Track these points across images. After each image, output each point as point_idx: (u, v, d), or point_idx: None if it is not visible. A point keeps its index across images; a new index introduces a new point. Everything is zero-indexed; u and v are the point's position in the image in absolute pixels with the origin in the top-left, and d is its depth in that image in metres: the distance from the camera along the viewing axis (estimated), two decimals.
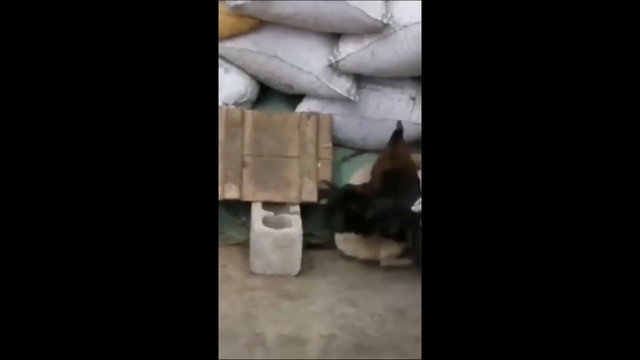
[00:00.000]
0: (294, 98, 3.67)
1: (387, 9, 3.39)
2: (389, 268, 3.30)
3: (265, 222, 3.30)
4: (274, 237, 3.23)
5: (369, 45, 3.44)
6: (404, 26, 3.40)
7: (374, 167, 3.42)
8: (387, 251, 3.30)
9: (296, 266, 3.25)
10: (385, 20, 3.37)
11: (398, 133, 3.42)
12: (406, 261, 3.30)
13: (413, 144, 3.61)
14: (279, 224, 3.31)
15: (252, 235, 3.27)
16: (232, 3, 3.36)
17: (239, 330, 2.87)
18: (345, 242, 3.33)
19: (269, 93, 3.69)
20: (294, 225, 3.29)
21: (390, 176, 3.34)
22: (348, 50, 3.47)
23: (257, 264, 3.25)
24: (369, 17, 3.36)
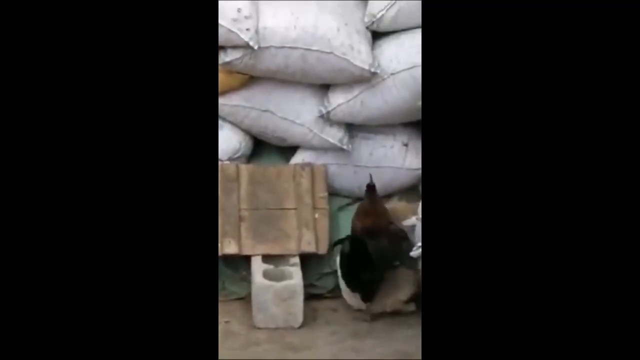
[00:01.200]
0: (287, 150, 3.69)
1: (374, 58, 3.43)
2: (393, 314, 3.31)
3: (266, 275, 3.31)
4: (275, 290, 3.24)
5: (358, 94, 3.48)
6: (392, 74, 3.44)
7: (354, 224, 3.40)
8: (392, 300, 3.30)
9: (299, 318, 3.25)
10: (373, 69, 3.41)
11: (371, 187, 3.40)
12: (411, 307, 3.31)
13: (408, 189, 3.65)
14: (280, 277, 3.32)
15: (253, 289, 3.27)
16: (222, 60, 3.40)
17: None
18: (351, 295, 3.33)
19: (262, 147, 3.71)
20: (295, 277, 3.30)
21: (372, 233, 3.32)
22: (338, 101, 3.50)
23: (259, 318, 3.25)
24: (356, 66, 3.40)
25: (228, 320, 3.25)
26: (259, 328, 3.23)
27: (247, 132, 3.63)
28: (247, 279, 3.41)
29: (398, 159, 3.62)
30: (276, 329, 3.22)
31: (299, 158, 3.64)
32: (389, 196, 3.65)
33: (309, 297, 3.34)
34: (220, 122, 3.56)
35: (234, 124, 3.59)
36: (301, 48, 3.39)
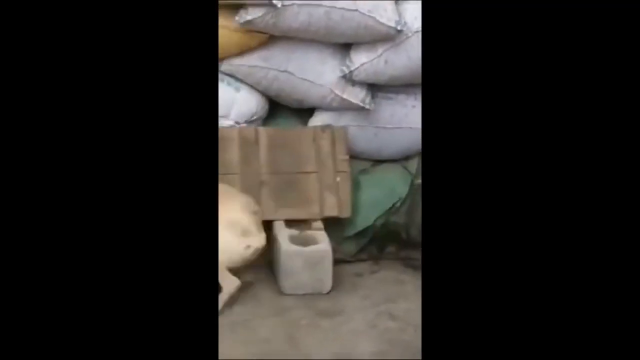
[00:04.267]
0: (303, 112, 3.59)
1: (400, 15, 3.33)
2: None
3: (292, 240, 3.21)
4: (304, 256, 3.15)
5: (382, 53, 3.38)
6: (417, 31, 3.34)
7: None
8: None
9: (328, 284, 3.18)
10: (399, 27, 3.31)
11: None
12: None
13: None
14: (305, 242, 3.23)
15: (280, 255, 3.18)
16: (243, 18, 3.28)
17: (287, 353, 2.78)
18: None
19: (277, 109, 3.60)
20: (322, 242, 3.22)
21: None
22: (361, 60, 3.40)
23: (287, 285, 3.16)
24: (382, 24, 3.30)
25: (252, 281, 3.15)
26: (287, 294, 3.14)
27: (263, 94, 3.51)
28: None
29: (419, 120, 3.51)
30: (304, 295, 3.14)
31: (317, 120, 3.54)
32: (406, 158, 3.58)
33: (333, 262, 3.24)
34: (237, 84, 3.45)
35: (251, 85, 3.47)
36: (325, 6, 3.27)
